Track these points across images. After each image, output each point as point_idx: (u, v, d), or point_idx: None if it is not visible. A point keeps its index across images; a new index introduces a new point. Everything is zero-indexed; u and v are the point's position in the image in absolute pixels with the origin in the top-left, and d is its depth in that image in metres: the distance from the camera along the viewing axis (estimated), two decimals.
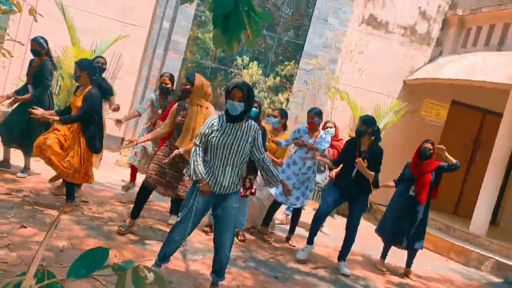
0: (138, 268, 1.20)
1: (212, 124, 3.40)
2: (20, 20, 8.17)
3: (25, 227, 3.87)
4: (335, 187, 5.10)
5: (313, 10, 8.74)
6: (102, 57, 5.73)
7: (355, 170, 4.87)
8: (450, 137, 9.03)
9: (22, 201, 4.54)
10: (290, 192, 3.67)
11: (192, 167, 3.34)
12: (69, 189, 4.66)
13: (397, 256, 5.77)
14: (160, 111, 5.42)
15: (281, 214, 6.60)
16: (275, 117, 5.61)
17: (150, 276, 2.78)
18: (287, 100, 8.64)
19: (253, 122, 3.46)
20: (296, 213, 5.71)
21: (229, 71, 8.91)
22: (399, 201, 5.44)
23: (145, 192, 4.43)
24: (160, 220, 5.15)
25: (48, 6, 7.92)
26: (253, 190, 5.13)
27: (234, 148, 3.33)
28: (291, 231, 5.73)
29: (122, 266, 1.16)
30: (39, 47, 5.46)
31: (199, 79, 4.32)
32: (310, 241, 5.06)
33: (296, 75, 8.67)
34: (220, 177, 3.35)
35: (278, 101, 8.47)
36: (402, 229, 5.35)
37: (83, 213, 4.71)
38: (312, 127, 5.47)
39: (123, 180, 6.36)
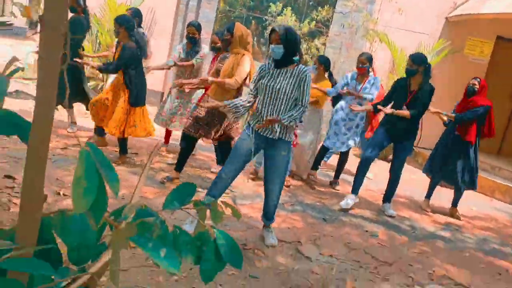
0: (216, 203, 1.30)
1: (261, 70, 3.45)
2: None
3: None
4: (381, 129, 4.99)
5: None
6: (137, 9, 5.73)
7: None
8: (494, 74, 8.70)
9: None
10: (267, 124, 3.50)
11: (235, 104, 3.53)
12: (121, 143, 4.87)
13: (442, 197, 5.80)
14: (188, 60, 5.43)
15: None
16: (314, 63, 5.58)
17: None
18: (324, 45, 8.49)
19: (303, 67, 3.41)
20: (343, 158, 5.75)
21: (264, 19, 8.77)
22: (447, 141, 5.37)
23: (187, 142, 4.55)
24: (207, 169, 5.33)
25: None
26: (296, 141, 5.17)
27: (282, 91, 3.34)
28: (336, 176, 5.81)
29: (202, 202, 1.26)
30: (75, 4, 5.53)
31: (238, 28, 4.32)
32: (355, 190, 4.94)
33: (332, 19, 8.45)
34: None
35: (314, 47, 8.34)
36: (451, 166, 5.31)
37: (136, 164, 4.93)
38: (362, 73, 5.42)
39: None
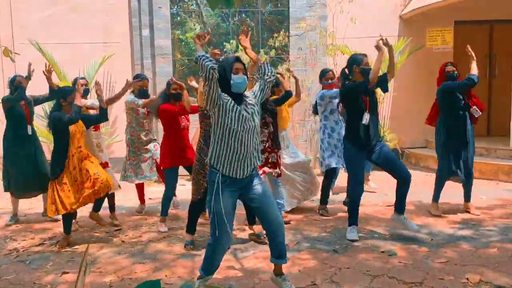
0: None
1: (226, 99, 3.02)
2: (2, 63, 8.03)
3: (66, 272, 3.68)
4: (353, 152, 4.31)
5: None
6: (83, 78, 5.41)
7: (365, 114, 4.23)
8: (462, 59, 8.59)
9: (58, 248, 4.35)
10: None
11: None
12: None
13: (448, 196, 5.44)
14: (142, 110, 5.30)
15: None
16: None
17: None
18: (288, 70, 8.31)
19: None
20: None
21: (220, 60, 8.59)
22: (459, 132, 4.96)
23: (195, 206, 4.32)
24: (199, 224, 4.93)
25: (26, 47, 7.71)
26: (278, 171, 4.79)
27: (252, 124, 3.04)
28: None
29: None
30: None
31: None
32: (353, 221, 4.41)
33: (289, 43, 8.33)
34: (246, 160, 3.04)
35: None
36: (464, 157, 4.98)
37: (122, 241, 4.51)
38: (330, 89, 5.26)
39: (150, 198, 6.14)
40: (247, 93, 3.16)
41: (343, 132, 5.01)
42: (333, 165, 5.25)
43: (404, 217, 4.40)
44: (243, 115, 3.00)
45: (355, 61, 4.32)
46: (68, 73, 7.89)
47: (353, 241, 4.29)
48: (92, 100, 5.20)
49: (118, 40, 8.36)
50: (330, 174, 5.35)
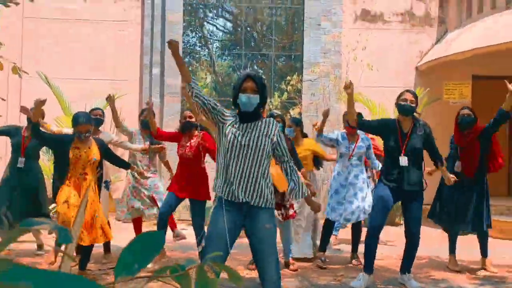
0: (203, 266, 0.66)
1: (224, 115, 2.84)
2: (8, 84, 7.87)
3: None
4: (383, 188, 4.11)
5: (303, 20, 8.35)
6: (100, 109, 5.32)
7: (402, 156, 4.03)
8: (480, 114, 8.33)
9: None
10: (319, 208, 3.17)
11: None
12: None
13: (467, 252, 4.98)
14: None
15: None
16: (289, 127, 5.08)
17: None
18: (300, 114, 8.12)
19: (271, 118, 2.93)
20: (356, 228, 5.07)
21: (232, 108, 8.45)
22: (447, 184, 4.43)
23: None
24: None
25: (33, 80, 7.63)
26: (291, 212, 4.48)
27: (253, 147, 2.73)
28: (354, 249, 5.07)
29: (182, 265, 0.73)
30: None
31: None
32: (368, 268, 4.07)
33: (302, 88, 8.18)
34: (242, 184, 2.72)
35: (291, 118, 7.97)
36: (461, 210, 4.61)
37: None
38: (353, 132, 4.93)
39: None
40: (273, 122, 2.90)
41: (351, 179, 4.80)
42: (328, 216, 4.91)
43: (407, 275, 4.13)
44: (244, 136, 2.76)
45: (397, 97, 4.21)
46: (75, 108, 7.74)
47: None
48: (66, 129, 5.05)
49: (127, 78, 8.28)
50: (328, 225, 4.99)
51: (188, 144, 4.61)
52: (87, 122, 4.01)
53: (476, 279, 4.42)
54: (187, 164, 4.59)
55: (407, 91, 4.20)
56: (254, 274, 4.28)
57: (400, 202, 4.23)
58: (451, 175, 4.25)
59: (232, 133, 2.77)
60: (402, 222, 5.68)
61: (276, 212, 4.26)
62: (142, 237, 0.69)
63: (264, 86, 2.88)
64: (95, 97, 7.89)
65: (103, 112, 5.22)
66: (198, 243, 4.45)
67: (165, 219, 4.60)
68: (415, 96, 4.15)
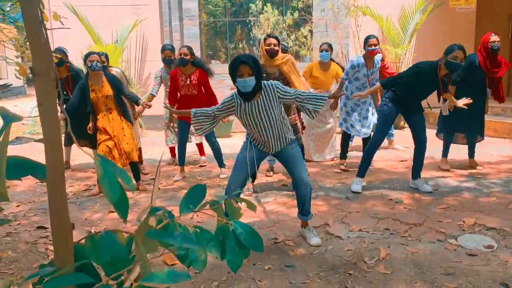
0: (230, 200, 1.40)
1: (229, 107, 3.35)
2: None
3: (112, 211, 4.25)
4: (390, 105, 4.55)
5: None
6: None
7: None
8: (485, 20, 8.66)
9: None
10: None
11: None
12: (136, 167, 5.04)
13: (459, 152, 5.78)
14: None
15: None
16: (326, 50, 5.76)
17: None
18: (311, 32, 8.57)
19: (266, 83, 3.28)
20: (368, 139, 5.62)
21: (247, 21, 8.89)
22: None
23: None
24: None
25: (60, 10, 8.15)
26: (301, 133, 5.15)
27: (266, 115, 3.26)
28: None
29: (217, 200, 1.36)
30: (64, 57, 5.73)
31: None
32: (361, 174, 4.78)
33: (312, 4, 8.54)
34: (270, 142, 3.38)
35: (302, 36, 8.43)
36: (468, 119, 5.18)
37: (158, 188, 5.05)
38: (374, 55, 5.29)
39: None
40: (271, 85, 3.26)
41: (364, 99, 5.39)
42: (348, 131, 5.62)
43: (420, 180, 4.75)
44: (253, 111, 3.25)
45: (446, 51, 4.42)
46: (102, 35, 8.35)
47: (356, 193, 4.66)
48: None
49: (146, 2, 8.73)
50: (346, 137, 5.75)
51: (188, 82, 5.18)
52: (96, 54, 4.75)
53: (461, 177, 5.13)
54: (191, 98, 5.19)
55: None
56: (271, 179, 5.28)
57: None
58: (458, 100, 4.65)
59: (244, 114, 3.27)
60: (406, 125, 6.32)
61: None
62: (193, 189, 1.34)
63: (258, 66, 3.15)
64: (119, 22, 8.46)
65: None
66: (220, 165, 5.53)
67: (183, 148, 5.48)
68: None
